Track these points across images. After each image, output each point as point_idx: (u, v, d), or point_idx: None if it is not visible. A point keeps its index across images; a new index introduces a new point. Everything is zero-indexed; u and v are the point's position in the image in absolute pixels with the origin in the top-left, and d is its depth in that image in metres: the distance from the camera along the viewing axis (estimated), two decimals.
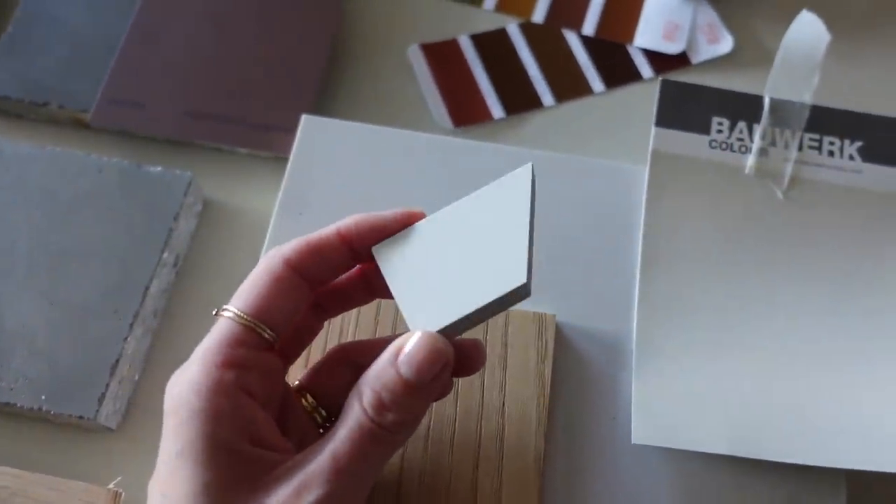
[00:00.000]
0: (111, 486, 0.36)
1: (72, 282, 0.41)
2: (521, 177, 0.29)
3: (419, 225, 0.30)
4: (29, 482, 0.36)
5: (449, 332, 0.28)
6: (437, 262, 0.29)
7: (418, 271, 0.29)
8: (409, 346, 0.27)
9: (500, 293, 0.28)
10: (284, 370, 0.32)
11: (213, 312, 0.29)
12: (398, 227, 0.30)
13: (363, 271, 0.32)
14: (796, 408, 0.37)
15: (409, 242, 0.30)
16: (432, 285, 0.28)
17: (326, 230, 0.30)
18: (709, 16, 0.52)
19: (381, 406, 0.27)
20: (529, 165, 0.29)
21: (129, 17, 0.49)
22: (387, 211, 0.30)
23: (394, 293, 0.29)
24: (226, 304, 0.29)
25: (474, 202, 0.30)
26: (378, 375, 0.27)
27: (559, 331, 0.39)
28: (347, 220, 0.30)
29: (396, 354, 0.27)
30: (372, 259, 0.30)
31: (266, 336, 0.28)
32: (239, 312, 0.28)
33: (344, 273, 0.31)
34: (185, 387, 0.27)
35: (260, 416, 0.28)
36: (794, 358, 0.38)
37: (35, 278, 0.41)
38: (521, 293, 0.28)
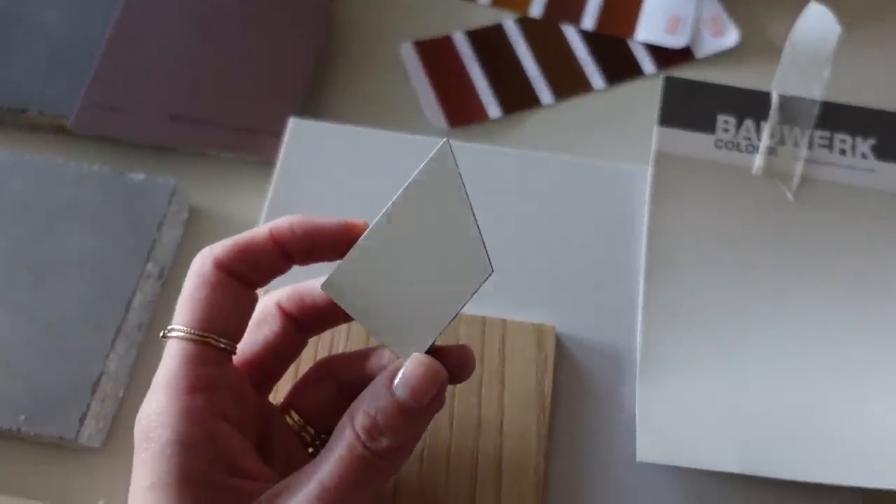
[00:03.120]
0: None
1: (52, 296, 0.39)
2: (442, 159, 0.28)
3: (360, 246, 0.28)
4: None
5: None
6: (395, 280, 0.28)
7: (380, 297, 0.28)
8: (403, 370, 0.27)
9: (471, 291, 0.27)
10: (268, 390, 0.31)
11: (161, 335, 0.27)
12: (336, 235, 0.28)
13: None
14: (809, 422, 0.35)
15: (358, 269, 0.28)
16: (401, 306, 0.28)
17: (259, 230, 0.28)
18: (713, 8, 0.50)
19: (374, 429, 0.26)
20: (445, 142, 0.28)
21: (111, 20, 0.47)
22: (326, 218, 0.28)
23: (364, 326, 0.28)
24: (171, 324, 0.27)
25: (407, 201, 0.28)
26: (373, 399, 0.26)
27: (559, 342, 0.37)
28: (281, 222, 0.28)
29: (391, 378, 0.27)
30: (306, 260, 0.29)
31: (222, 346, 0.27)
32: (187, 329, 0.27)
33: (279, 275, 0.29)
34: (154, 418, 0.25)
35: (237, 441, 0.27)
36: (806, 369, 0.37)
37: (13, 293, 0.39)
38: (487, 279, 0.28)
